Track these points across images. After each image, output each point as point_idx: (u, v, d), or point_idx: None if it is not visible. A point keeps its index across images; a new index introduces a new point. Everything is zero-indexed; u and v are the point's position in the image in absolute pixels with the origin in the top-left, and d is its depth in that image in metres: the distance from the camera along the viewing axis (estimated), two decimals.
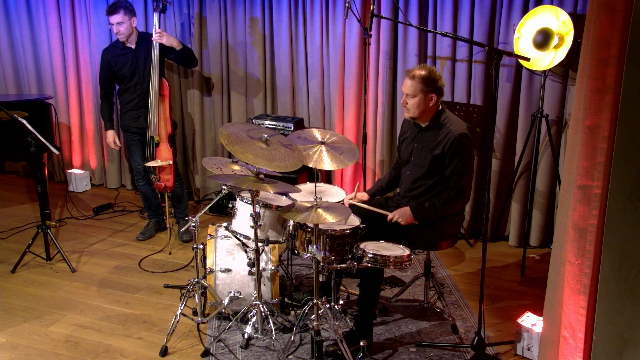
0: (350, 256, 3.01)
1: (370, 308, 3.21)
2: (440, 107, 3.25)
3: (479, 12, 4.20)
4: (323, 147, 3.17)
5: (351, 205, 3.37)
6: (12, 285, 3.98)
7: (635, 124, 1.98)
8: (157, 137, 4.36)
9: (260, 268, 3.32)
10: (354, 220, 3.13)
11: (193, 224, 3.25)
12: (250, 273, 3.35)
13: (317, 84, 4.83)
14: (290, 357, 3.17)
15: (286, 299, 3.65)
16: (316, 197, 2.88)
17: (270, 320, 3.23)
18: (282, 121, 4.74)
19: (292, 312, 3.59)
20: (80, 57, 5.47)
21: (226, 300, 3.41)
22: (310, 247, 3.00)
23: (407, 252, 2.92)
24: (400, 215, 3.20)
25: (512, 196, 4.46)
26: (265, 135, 3.03)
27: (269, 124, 4.73)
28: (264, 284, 3.42)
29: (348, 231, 3.01)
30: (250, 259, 3.32)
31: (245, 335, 3.27)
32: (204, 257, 3.48)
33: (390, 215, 3.23)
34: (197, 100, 5.21)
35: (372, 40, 4.52)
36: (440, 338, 3.37)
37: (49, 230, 4.22)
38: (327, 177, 5.05)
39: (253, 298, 3.32)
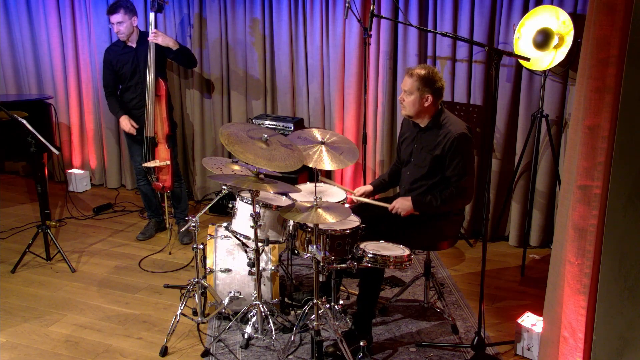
0: (350, 256, 3.01)
1: (370, 308, 3.21)
2: (440, 107, 3.25)
3: (479, 12, 4.20)
4: (323, 147, 3.17)
5: (352, 203, 3.37)
6: (12, 285, 3.98)
7: (635, 124, 1.98)
8: (153, 133, 4.33)
9: (260, 268, 3.32)
10: (354, 221, 3.13)
11: (193, 224, 3.25)
12: (250, 273, 3.35)
13: (317, 84, 4.83)
14: (290, 357, 3.17)
15: (286, 299, 3.65)
16: (316, 197, 2.88)
17: (270, 320, 3.23)
18: (282, 121, 4.74)
19: (292, 312, 3.59)
20: (80, 57, 5.48)
21: (226, 300, 3.41)
22: (310, 247, 3.00)
23: (407, 252, 2.92)
24: (401, 205, 3.20)
25: (512, 196, 4.46)
26: (265, 135, 3.03)
27: (269, 124, 4.73)
28: (264, 284, 3.42)
29: (348, 231, 3.01)
30: (250, 259, 3.32)
31: (245, 335, 3.27)
32: (204, 257, 3.48)
33: (390, 206, 3.24)
34: (197, 100, 5.21)
35: (372, 40, 4.52)
36: (440, 338, 3.37)
37: (49, 230, 4.22)
38: (327, 177, 5.05)
39: (253, 298, 3.32)
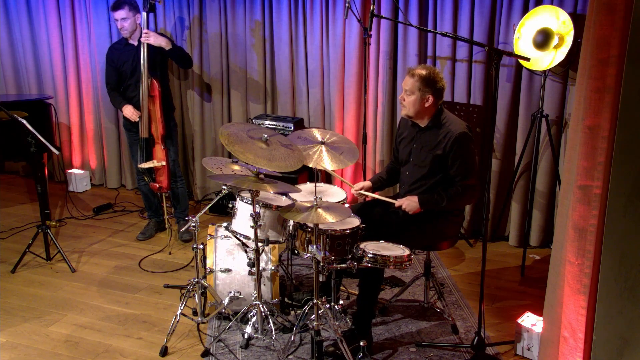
0: (350, 256, 3.00)
1: (370, 308, 3.21)
2: (440, 107, 3.25)
3: (479, 12, 4.20)
4: (323, 147, 3.17)
5: (353, 200, 3.37)
6: (12, 285, 3.98)
7: (635, 124, 1.98)
8: (148, 135, 4.32)
9: (260, 268, 3.32)
10: (354, 220, 3.13)
11: (193, 224, 3.25)
12: (250, 273, 3.35)
13: (317, 84, 4.83)
14: (290, 357, 3.17)
15: (286, 299, 3.65)
16: (316, 197, 2.88)
17: (270, 320, 3.23)
18: (282, 121, 4.74)
19: (292, 312, 3.59)
20: (80, 57, 5.48)
21: (226, 300, 3.40)
22: (310, 247, 3.00)
23: (407, 252, 2.92)
24: (408, 204, 3.21)
25: (512, 196, 4.46)
26: (265, 135, 3.03)
27: (269, 124, 4.73)
28: (264, 284, 3.42)
29: (348, 231, 3.01)
30: (250, 259, 3.32)
31: (245, 335, 3.27)
32: (204, 257, 3.48)
33: (397, 203, 3.24)
34: (197, 101, 5.21)
35: (372, 40, 4.52)
36: (440, 338, 3.37)
37: (49, 230, 4.22)
38: (327, 177, 5.05)
39: (253, 298, 3.32)
